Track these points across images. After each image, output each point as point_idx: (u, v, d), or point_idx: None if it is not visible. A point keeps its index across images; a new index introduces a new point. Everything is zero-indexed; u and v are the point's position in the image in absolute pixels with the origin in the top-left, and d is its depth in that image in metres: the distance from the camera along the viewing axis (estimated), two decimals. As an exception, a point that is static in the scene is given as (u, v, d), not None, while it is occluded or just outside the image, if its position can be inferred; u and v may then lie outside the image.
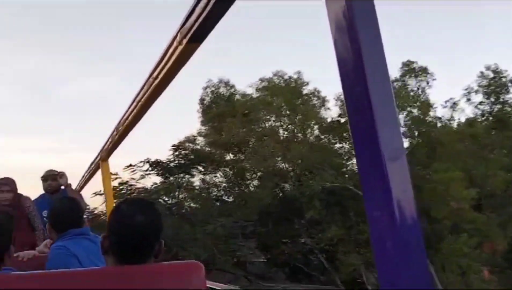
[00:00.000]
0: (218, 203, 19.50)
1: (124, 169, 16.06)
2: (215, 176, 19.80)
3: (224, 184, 20.04)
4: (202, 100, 20.91)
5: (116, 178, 15.62)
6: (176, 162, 17.80)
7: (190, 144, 19.28)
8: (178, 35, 1.71)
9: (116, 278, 1.33)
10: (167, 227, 13.76)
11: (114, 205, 1.71)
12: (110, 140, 3.47)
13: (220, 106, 20.19)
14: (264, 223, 16.58)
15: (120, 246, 1.55)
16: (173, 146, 18.19)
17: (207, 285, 1.51)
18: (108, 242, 1.56)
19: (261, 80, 19.87)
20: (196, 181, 19.26)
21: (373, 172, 0.87)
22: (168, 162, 17.84)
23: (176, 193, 18.02)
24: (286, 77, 19.93)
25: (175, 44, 1.78)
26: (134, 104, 2.47)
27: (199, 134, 20.34)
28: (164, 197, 17.61)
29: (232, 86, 21.01)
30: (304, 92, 19.91)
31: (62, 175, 4.10)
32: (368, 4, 0.89)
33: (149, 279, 1.36)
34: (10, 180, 3.93)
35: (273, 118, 19.66)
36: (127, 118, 2.75)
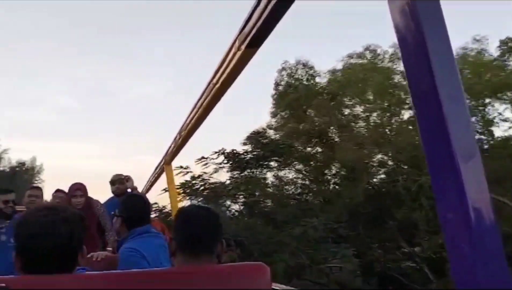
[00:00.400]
0: (293, 202, 16.32)
1: (196, 162, 13.89)
2: (293, 171, 16.70)
3: (300, 180, 16.85)
4: (276, 85, 18.20)
5: (188, 172, 13.87)
6: (255, 153, 14.94)
7: (266, 134, 16.49)
8: (237, 41, 1.75)
9: (184, 279, 1.39)
10: (246, 228, 12.73)
11: (178, 209, 1.82)
12: (173, 144, 3.60)
13: (298, 91, 17.29)
14: (355, 225, 13.68)
15: (183, 246, 1.66)
16: (251, 133, 15.59)
17: (273, 287, 1.53)
18: (174, 244, 1.67)
19: (349, 56, 16.86)
20: (271, 176, 16.33)
21: (445, 172, 0.84)
22: (244, 154, 15.11)
23: (255, 189, 15.11)
24: (380, 51, 16.67)
25: (233, 50, 1.82)
26: (196, 109, 2.56)
27: (272, 124, 17.57)
28: (242, 193, 14.84)
29: (312, 67, 17.89)
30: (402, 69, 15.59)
31: (128, 178, 4.35)
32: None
33: (215, 280, 1.41)
34: (82, 186, 4.24)
35: (362, 102, 16.52)
36: (189, 123, 2.85)
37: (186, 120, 2.90)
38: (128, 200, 2.72)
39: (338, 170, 16.47)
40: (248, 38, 1.67)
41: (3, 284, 1.05)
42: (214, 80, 2.10)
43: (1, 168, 36.24)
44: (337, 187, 16.52)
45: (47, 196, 4.65)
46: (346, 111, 16.92)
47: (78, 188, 4.11)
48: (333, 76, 17.34)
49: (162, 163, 4.31)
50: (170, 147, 3.80)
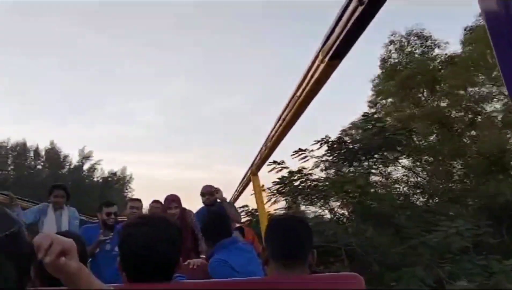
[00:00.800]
0: (415, 202, 13.04)
1: (293, 155, 11.20)
2: (408, 163, 13.42)
3: (414, 177, 13.57)
4: (383, 62, 15.62)
5: (283, 168, 11.25)
6: (364, 143, 11.29)
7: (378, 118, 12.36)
8: (320, 54, 1.74)
9: (276, 288, 1.40)
10: (356, 234, 10.02)
11: (270, 218, 1.84)
12: (259, 155, 3.67)
13: (410, 67, 14.35)
14: (497, 229, 10.13)
15: (275, 254, 1.68)
16: (363, 115, 12.27)
17: None
18: (266, 253, 1.70)
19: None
20: (379, 171, 12.77)
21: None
22: (352, 143, 11.75)
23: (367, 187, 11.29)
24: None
25: (317, 62, 1.81)
26: (280, 121, 2.58)
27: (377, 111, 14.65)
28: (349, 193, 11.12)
29: (428, 38, 14.99)
30: None
31: (217, 190, 4.53)
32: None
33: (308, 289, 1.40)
34: (177, 197, 4.54)
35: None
36: (273, 135, 2.88)
37: (270, 132, 2.94)
38: (205, 218, 2.84)
39: (470, 162, 12.64)
40: (332, 50, 1.64)
41: None
42: (298, 93, 2.10)
43: (95, 179, 38.66)
44: (468, 183, 12.65)
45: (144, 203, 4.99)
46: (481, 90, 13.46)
47: (173, 200, 4.42)
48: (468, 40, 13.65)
49: (248, 173, 4.41)
50: (256, 157, 3.87)
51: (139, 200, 4.77)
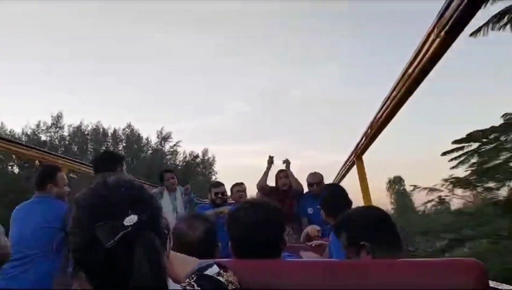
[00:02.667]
0: None
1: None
2: None
3: None
4: None
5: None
6: None
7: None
8: (435, 28, 1.69)
9: (382, 271, 1.40)
10: None
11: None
12: (364, 138, 3.63)
13: None
14: None
15: (376, 239, 1.70)
16: None
17: (491, 285, 1.41)
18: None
19: None
20: None
21: None
22: None
23: None
24: None
25: (432, 37, 1.76)
26: (388, 101, 2.54)
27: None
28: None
29: None
30: None
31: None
32: None
33: (420, 273, 1.38)
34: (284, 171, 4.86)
35: None
36: (380, 116, 2.84)
37: (377, 113, 2.90)
38: (327, 193, 2.91)
39: None
40: (449, 24, 1.59)
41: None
42: (410, 70, 2.05)
43: (177, 162, 39.20)
44: None
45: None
46: None
47: (282, 170, 4.82)
48: None
49: (352, 156, 4.38)
50: (360, 141, 3.83)
51: (242, 184, 5.07)
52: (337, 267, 1.47)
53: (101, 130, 38.27)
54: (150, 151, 39.26)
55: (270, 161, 5.16)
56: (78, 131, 37.63)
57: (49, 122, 36.36)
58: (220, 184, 4.96)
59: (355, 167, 4.30)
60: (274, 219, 1.69)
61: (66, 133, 36.95)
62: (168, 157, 40.24)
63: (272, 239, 1.67)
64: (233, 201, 5.10)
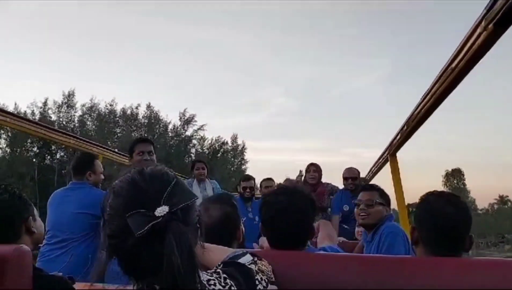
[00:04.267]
0: None
1: None
2: None
3: None
4: None
5: None
6: None
7: None
8: (483, 20, 1.62)
9: (425, 268, 1.37)
10: None
11: (421, 198, 1.78)
12: (399, 135, 3.53)
13: None
14: None
15: (429, 238, 1.64)
16: None
17: None
18: (417, 233, 1.68)
19: None
20: None
21: None
22: None
23: None
24: None
25: (478, 30, 1.68)
26: (428, 96, 2.45)
27: None
28: None
29: None
30: None
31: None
32: None
33: (461, 272, 1.34)
34: (317, 164, 4.88)
35: None
36: (419, 112, 2.75)
37: (415, 109, 2.81)
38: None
39: None
40: (498, 16, 1.52)
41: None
42: (453, 65, 1.98)
43: (204, 149, 37.64)
44: None
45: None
46: None
47: (312, 164, 4.72)
48: None
49: (386, 153, 4.28)
50: (395, 137, 3.74)
51: (271, 179, 5.07)
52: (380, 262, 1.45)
53: (119, 111, 35.82)
54: (170, 135, 37.22)
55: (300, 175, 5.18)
56: (91, 111, 35.53)
57: (59, 100, 34.65)
58: (249, 178, 4.97)
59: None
60: (304, 206, 1.68)
61: (78, 113, 34.98)
62: (193, 142, 38.34)
63: (300, 226, 1.66)
64: (260, 196, 5.12)
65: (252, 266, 1.19)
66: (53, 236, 2.93)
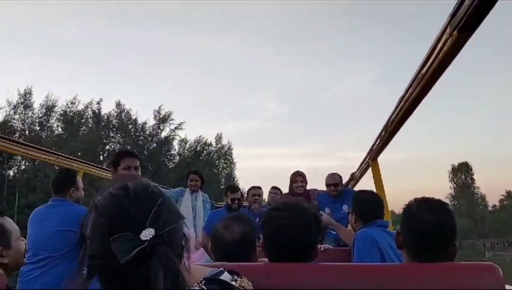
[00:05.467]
0: None
1: None
2: None
3: None
4: None
5: None
6: None
7: None
8: (448, 26, 1.67)
9: (408, 274, 1.39)
10: None
11: (406, 204, 1.78)
12: (378, 140, 3.59)
13: None
14: None
15: (409, 244, 1.67)
16: None
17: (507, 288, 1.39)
18: (401, 238, 1.70)
19: None
20: None
21: None
22: None
23: None
24: None
25: (444, 36, 1.73)
26: (402, 102, 2.50)
27: None
28: None
29: None
30: None
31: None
32: None
33: (441, 277, 1.36)
34: (302, 173, 4.82)
35: None
36: (395, 118, 2.80)
37: (392, 114, 2.87)
38: (360, 195, 2.85)
39: None
40: (462, 22, 1.57)
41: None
42: (423, 71, 2.03)
43: (183, 151, 35.03)
44: None
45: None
46: None
47: (299, 174, 4.66)
48: None
49: (367, 158, 4.34)
50: (375, 142, 3.79)
51: (259, 188, 5.04)
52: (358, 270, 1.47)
53: (90, 111, 32.21)
54: (144, 136, 34.08)
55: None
56: (51, 111, 31.42)
57: (14, 100, 29.93)
58: (236, 190, 4.94)
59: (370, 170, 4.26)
60: (308, 222, 1.64)
61: (37, 113, 30.43)
62: (172, 144, 34.40)
63: (303, 242, 1.62)
64: (247, 204, 5.10)
65: (233, 283, 1.19)
66: (34, 254, 2.88)
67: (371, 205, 2.74)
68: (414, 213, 1.70)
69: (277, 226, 1.63)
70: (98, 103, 33.59)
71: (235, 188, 4.96)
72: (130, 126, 34.00)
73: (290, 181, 4.73)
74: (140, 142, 34.14)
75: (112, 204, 0.93)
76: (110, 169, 5.61)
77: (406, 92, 2.37)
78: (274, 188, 5.69)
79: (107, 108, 35.59)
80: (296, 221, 1.61)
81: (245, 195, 5.76)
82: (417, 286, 1.33)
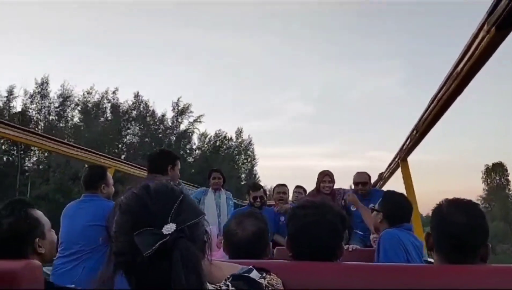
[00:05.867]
0: None
1: None
2: None
3: None
4: None
5: None
6: None
7: None
8: (486, 23, 1.61)
9: (437, 276, 1.36)
10: None
11: (436, 205, 1.74)
12: (409, 139, 3.52)
13: None
14: None
15: (440, 245, 1.62)
16: None
17: None
18: (431, 240, 1.66)
19: None
20: None
21: None
22: None
23: None
24: None
25: (481, 34, 1.67)
26: (435, 101, 2.44)
27: None
28: None
29: None
30: None
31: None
32: None
33: (471, 280, 1.33)
34: (330, 172, 4.74)
35: None
36: (427, 117, 2.74)
37: (423, 114, 2.80)
38: (391, 197, 2.80)
39: None
40: (501, 19, 1.51)
41: None
42: (458, 69, 1.97)
43: (204, 146, 34.46)
44: None
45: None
46: None
47: (327, 174, 4.60)
48: None
49: (397, 158, 4.25)
50: (405, 142, 3.72)
51: (284, 185, 5.02)
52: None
53: (106, 101, 31.26)
54: (163, 129, 33.48)
55: None
56: (69, 101, 30.80)
57: (31, 89, 29.55)
58: (258, 187, 4.94)
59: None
60: (334, 221, 1.62)
61: (53, 103, 29.85)
62: (190, 137, 33.40)
63: (328, 241, 1.60)
64: (273, 203, 5.10)
65: (262, 280, 1.20)
66: (66, 248, 2.97)
67: (400, 209, 2.69)
68: (444, 214, 1.65)
69: (301, 224, 1.62)
70: (114, 92, 32.71)
71: (257, 186, 4.96)
72: (148, 118, 33.27)
73: (317, 180, 4.67)
74: (160, 135, 33.15)
75: (135, 203, 0.97)
76: (140, 167, 5.73)
77: (440, 90, 2.31)
78: (298, 187, 5.65)
79: (123, 99, 34.27)
80: (321, 220, 1.60)
81: (270, 193, 5.75)
82: (450, 287, 1.29)
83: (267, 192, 5.52)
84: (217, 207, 5.13)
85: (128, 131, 33.76)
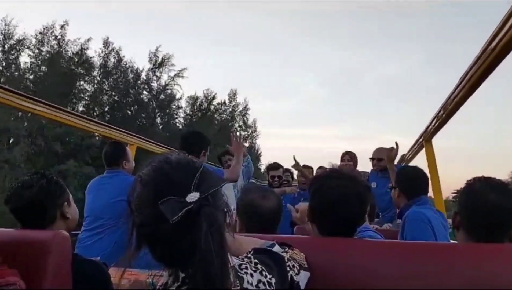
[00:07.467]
0: None
1: None
2: None
3: None
4: None
5: None
6: None
7: None
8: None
9: (465, 255, 1.34)
10: None
11: (466, 183, 1.69)
12: (435, 120, 3.43)
13: None
14: None
15: (471, 224, 1.59)
16: None
17: None
18: (459, 218, 1.63)
19: None
20: None
21: None
22: None
23: None
24: None
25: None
26: (466, 80, 2.36)
27: None
28: None
29: None
30: None
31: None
32: None
33: (501, 258, 1.30)
34: (352, 153, 4.75)
35: None
36: (456, 95, 2.65)
37: (452, 92, 2.71)
38: (403, 170, 2.79)
39: None
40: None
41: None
42: (492, 45, 1.88)
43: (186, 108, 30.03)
44: None
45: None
46: None
47: (347, 153, 4.62)
48: None
49: (421, 139, 4.16)
50: (431, 123, 3.63)
51: (310, 167, 5.01)
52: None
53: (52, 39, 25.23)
54: (139, 85, 27.53)
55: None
56: (22, 46, 24.96)
57: None
58: (278, 167, 4.91)
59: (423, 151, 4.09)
60: (363, 192, 1.58)
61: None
62: (167, 96, 27.37)
63: (352, 215, 1.55)
64: (296, 184, 5.10)
65: (284, 254, 1.20)
66: (91, 222, 3.04)
67: (413, 179, 2.69)
68: (477, 192, 1.61)
69: (334, 195, 1.53)
70: (63, 27, 26.90)
71: (276, 165, 4.94)
72: (115, 70, 27.55)
73: (340, 160, 4.73)
74: (131, 90, 27.78)
75: (156, 174, 0.98)
76: (163, 145, 5.72)
77: (471, 68, 2.22)
78: (319, 168, 5.64)
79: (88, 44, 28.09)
80: (353, 191, 1.54)
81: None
82: (483, 265, 1.27)
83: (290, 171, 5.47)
84: (234, 187, 5.14)
85: (86, 79, 27.89)
